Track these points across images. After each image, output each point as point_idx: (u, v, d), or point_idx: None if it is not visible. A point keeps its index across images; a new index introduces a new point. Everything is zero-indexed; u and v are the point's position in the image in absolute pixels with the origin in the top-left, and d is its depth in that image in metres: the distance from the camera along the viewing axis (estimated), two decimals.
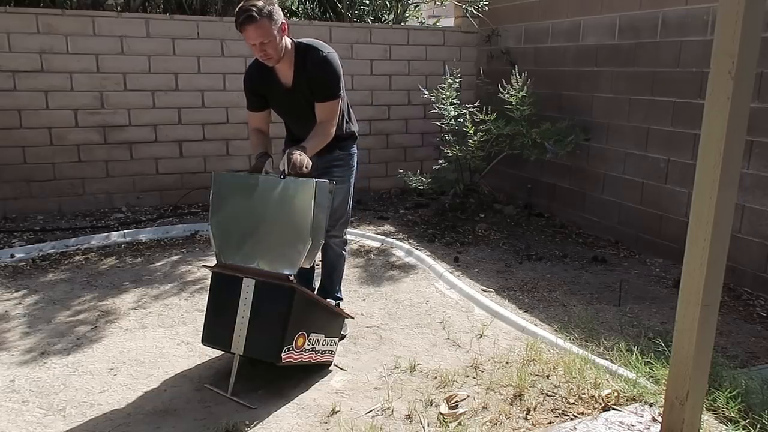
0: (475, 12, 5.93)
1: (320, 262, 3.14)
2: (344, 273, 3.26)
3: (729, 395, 2.26)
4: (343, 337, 2.97)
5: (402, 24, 6.76)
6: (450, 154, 5.04)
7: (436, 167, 5.21)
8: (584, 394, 2.42)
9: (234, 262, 2.54)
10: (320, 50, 2.70)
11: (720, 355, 2.84)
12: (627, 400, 2.33)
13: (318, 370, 2.69)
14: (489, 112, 4.86)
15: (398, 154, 6.35)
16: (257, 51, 2.56)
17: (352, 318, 3.12)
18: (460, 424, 2.26)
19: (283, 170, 2.49)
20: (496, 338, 3.06)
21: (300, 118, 2.85)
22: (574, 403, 2.38)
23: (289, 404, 2.43)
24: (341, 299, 3.25)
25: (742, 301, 3.65)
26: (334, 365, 2.75)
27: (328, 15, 6.82)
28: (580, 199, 5.14)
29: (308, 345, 2.52)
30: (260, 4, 2.47)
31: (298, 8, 7.28)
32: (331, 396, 2.50)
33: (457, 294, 3.66)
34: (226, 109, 5.59)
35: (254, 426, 2.27)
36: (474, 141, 4.84)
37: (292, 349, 2.43)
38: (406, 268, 4.12)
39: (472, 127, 4.81)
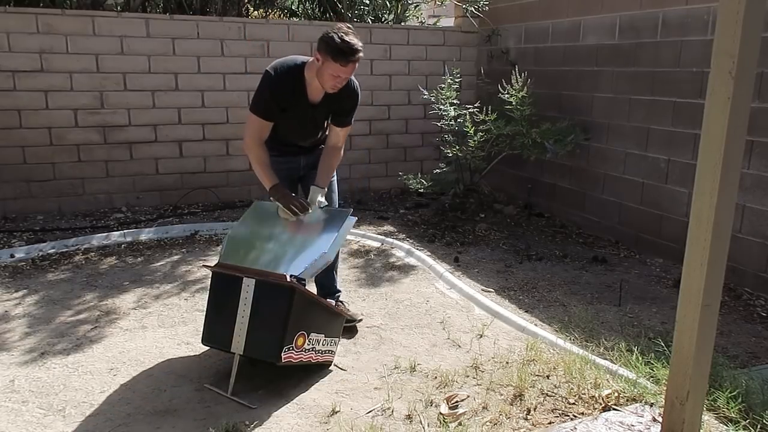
0: (475, 12, 5.93)
1: None
2: (345, 273, 3.27)
3: (729, 395, 2.26)
4: (354, 324, 3.10)
5: (402, 24, 6.77)
6: (450, 154, 5.04)
7: (437, 171, 5.22)
8: (584, 394, 2.42)
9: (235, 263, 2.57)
10: (353, 80, 2.89)
11: (720, 355, 2.84)
12: (627, 400, 2.33)
13: (318, 370, 2.69)
14: (489, 112, 4.86)
15: (398, 154, 6.34)
16: (336, 81, 2.68)
17: (360, 320, 3.16)
18: (460, 424, 2.26)
19: (320, 202, 2.86)
20: (496, 338, 3.06)
21: (309, 130, 2.99)
22: (574, 403, 2.38)
23: (289, 404, 2.43)
24: (340, 291, 3.25)
25: (742, 301, 3.64)
26: (334, 365, 2.75)
27: (328, 15, 6.82)
28: (580, 199, 5.14)
29: (308, 345, 2.52)
30: (360, 42, 2.65)
31: (298, 8, 7.28)
32: (331, 396, 2.50)
33: (457, 294, 3.66)
34: (226, 109, 5.59)
35: (254, 426, 2.27)
36: (474, 141, 4.84)
37: (292, 349, 2.43)
38: (406, 268, 4.12)
39: (472, 127, 4.81)
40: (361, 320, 3.19)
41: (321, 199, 2.88)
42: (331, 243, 2.65)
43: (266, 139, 2.84)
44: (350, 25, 2.69)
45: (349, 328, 3.04)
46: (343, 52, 2.58)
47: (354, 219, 2.84)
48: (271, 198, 2.82)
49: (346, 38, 2.58)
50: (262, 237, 2.79)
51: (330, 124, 2.98)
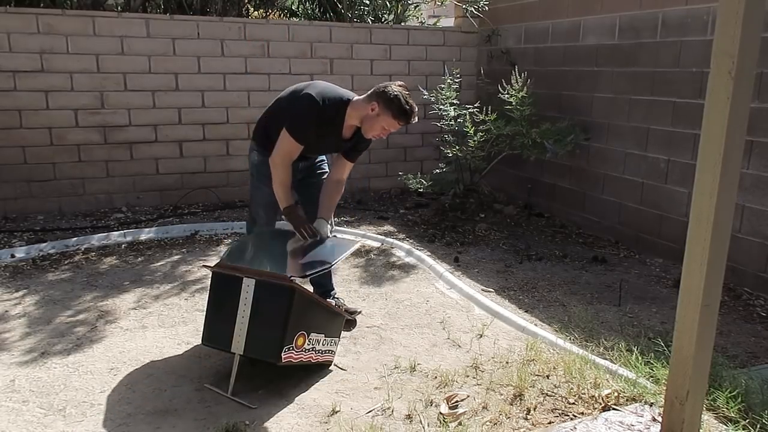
0: (475, 12, 5.93)
1: None
2: (345, 273, 3.28)
3: (729, 395, 2.26)
4: (354, 318, 3.13)
5: (402, 24, 6.76)
6: (450, 154, 5.04)
7: (437, 171, 5.22)
8: (584, 394, 2.42)
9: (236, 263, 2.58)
10: None
11: (720, 355, 2.84)
12: (627, 400, 2.33)
13: (318, 370, 2.69)
14: (489, 112, 4.86)
15: (398, 154, 6.34)
16: (384, 133, 2.83)
17: (359, 312, 3.19)
18: (460, 424, 2.26)
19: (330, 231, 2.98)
20: (496, 338, 3.06)
21: (324, 152, 3.16)
22: (574, 403, 2.38)
23: (289, 404, 2.43)
24: (335, 290, 3.31)
25: (742, 301, 3.65)
26: (334, 365, 2.75)
27: (328, 15, 6.82)
28: (580, 199, 5.14)
29: (308, 345, 2.52)
30: None
31: (298, 8, 7.28)
32: (331, 396, 2.50)
33: (457, 294, 3.66)
34: (226, 109, 5.59)
35: (254, 426, 2.27)
36: (474, 141, 4.84)
37: (292, 349, 2.43)
38: (406, 268, 4.12)
39: (472, 127, 4.81)
40: (360, 312, 3.24)
41: (327, 229, 2.97)
42: (336, 258, 2.76)
43: (269, 146, 2.88)
44: (404, 83, 2.83)
45: (348, 321, 3.06)
46: (406, 114, 2.74)
47: (358, 244, 3.03)
48: (284, 217, 2.90)
49: (410, 101, 2.75)
50: (268, 245, 2.85)
51: (341, 156, 3.03)
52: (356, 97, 2.85)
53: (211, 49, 5.42)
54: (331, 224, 3.05)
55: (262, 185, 2.95)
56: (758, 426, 2.11)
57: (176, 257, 4.26)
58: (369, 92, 2.80)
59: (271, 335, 2.39)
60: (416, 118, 2.80)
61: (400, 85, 2.76)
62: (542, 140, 4.81)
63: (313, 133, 2.80)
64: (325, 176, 3.12)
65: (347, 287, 3.70)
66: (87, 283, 3.74)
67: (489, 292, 3.71)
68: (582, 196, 5.13)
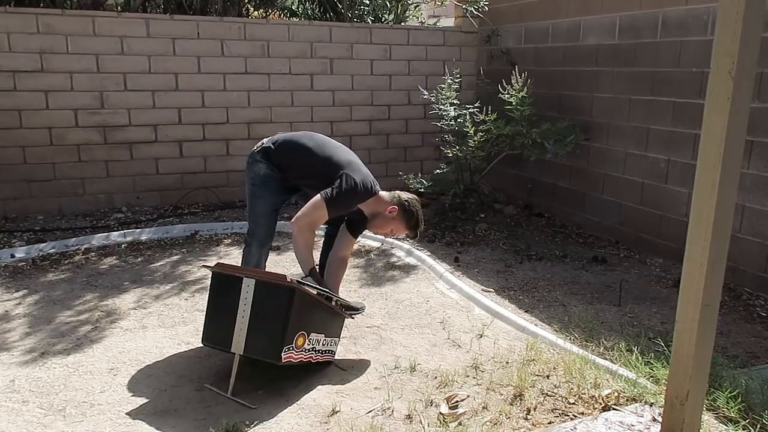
0: (475, 12, 5.93)
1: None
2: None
3: (729, 395, 2.26)
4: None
5: (402, 24, 6.77)
6: (450, 155, 5.04)
7: (437, 171, 5.22)
8: (584, 394, 2.42)
9: None
10: None
11: (720, 355, 2.84)
12: (627, 400, 2.33)
13: (318, 370, 2.69)
14: (489, 112, 4.86)
15: (398, 154, 6.34)
16: (388, 235, 3.16)
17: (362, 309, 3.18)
18: (460, 424, 2.26)
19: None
20: (496, 338, 3.06)
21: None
22: (574, 403, 2.38)
23: (289, 404, 2.43)
24: None
25: (742, 301, 3.65)
26: (334, 365, 2.75)
27: (328, 15, 6.83)
28: (580, 199, 5.14)
29: (308, 345, 2.52)
30: None
31: (298, 8, 7.28)
32: (332, 396, 2.50)
33: (457, 294, 3.66)
34: (226, 109, 5.59)
35: (254, 426, 2.27)
36: (474, 141, 4.84)
37: (292, 349, 2.43)
38: (406, 269, 4.12)
39: (472, 127, 4.81)
40: (364, 307, 3.27)
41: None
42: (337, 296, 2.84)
43: (280, 169, 3.00)
44: (418, 198, 3.10)
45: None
46: (416, 229, 3.05)
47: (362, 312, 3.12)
48: (304, 278, 2.85)
49: (422, 217, 3.06)
50: None
51: (346, 232, 3.13)
52: (381, 192, 3.02)
53: (211, 49, 5.42)
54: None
55: (265, 194, 2.98)
56: (758, 426, 2.11)
57: (176, 257, 4.26)
58: (392, 193, 3.04)
59: (271, 335, 2.39)
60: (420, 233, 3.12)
61: (416, 200, 3.05)
62: (542, 140, 4.81)
63: (343, 212, 2.99)
64: None
65: (347, 287, 3.70)
66: (87, 283, 3.74)
67: (489, 292, 3.71)
68: (582, 196, 5.13)
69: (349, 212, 3.04)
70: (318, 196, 2.80)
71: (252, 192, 3.02)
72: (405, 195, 3.04)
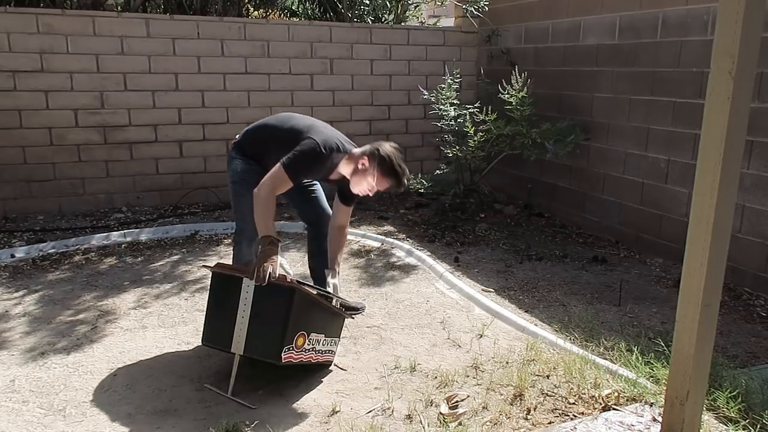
0: (475, 12, 5.93)
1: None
2: (345, 273, 3.28)
3: (729, 395, 2.26)
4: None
5: (402, 24, 6.76)
6: (450, 155, 5.04)
7: (437, 171, 5.21)
8: (584, 394, 2.42)
9: None
10: None
11: (720, 355, 2.84)
12: (627, 400, 2.33)
13: (318, 370, 2.69)
14: (489, 112, 4.86)
15: None
16: (371, 191, 2.92)
17: (362, 309, 3.19)
18: (460, 424, 2.26)
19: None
20: (496, 338, 3.06)
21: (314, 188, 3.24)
22: (574, 403, 2.38)
23: (289, 404, 2.43)
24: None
25: (742, 301, 3.65)
26: (334, 365, 2.75)
27: (328, 15, 6.83)
28: (580, 199, 5.14)
29: (308, 345, 2.52)
30: None
31: (298, 8, 7.28)
32: (332, 396, 2.50)
33: (457, 294, 3.66)
34: (226, 109, 5.59)
35: (254, 426, 2.27)
36: (474, 141, 4.84)
37: (292, 349, 2.43)
38: (406, 268, 4.12)
39: (472, 127, 4.81)
40: (365, 307, 3.30)
41: (332, 280, 2.98)
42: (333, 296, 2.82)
43: (256, 158, 2.95)
44: (397, 145, 2.91)
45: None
46: (396, 175, 2.85)
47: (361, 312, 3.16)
48: (259, 246, 2.66)
49: (403, 165, 2.85)
50: None
51: (339, 203, 3.12)
52: (354, 149, 2.90)
53: (211, 49, 5.42)
54: (338, 272, 3.07)
55: (247, 191, 2.81)
56: (758, 426, 2.11)
57: (176, 257, 4.26)
58: (364, 147, 2.87)
59: (271, 335, 2.39)
60: (407, 182, 2.91)
61: (393, 147, 2.86)
62: (542, 140, 4.81)
63: (310, 175, 2.93)
64: (315, 185, 3.20)
65: (347, 287, 3.69)
66: (87, 283, 3.74)
67: (489, 292, 3.71)
68: (582, 196, 5.13)
69: (324, 177, 2.96)
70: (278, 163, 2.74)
71: (234, 191, 3.00)
72: (378, 143, 2.87)
